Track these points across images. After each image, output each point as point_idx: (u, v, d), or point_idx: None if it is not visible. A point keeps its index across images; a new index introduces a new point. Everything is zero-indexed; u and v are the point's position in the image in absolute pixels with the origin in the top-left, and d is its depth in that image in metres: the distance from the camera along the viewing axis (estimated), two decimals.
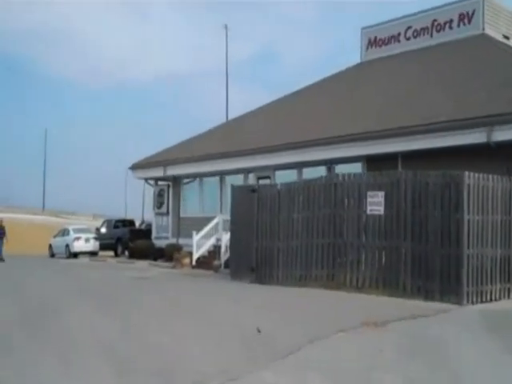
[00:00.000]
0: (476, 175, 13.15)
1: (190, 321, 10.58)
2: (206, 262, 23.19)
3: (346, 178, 15.47)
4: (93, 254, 33.12)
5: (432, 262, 13.34)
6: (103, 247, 34.04)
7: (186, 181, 28.34)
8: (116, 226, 35.55)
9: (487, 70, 20.20)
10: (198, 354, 8.27)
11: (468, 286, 12.84)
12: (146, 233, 31.65)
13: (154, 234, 30.11)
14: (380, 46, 27.41)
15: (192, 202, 28.25)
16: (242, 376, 7.15)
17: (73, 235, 33.16)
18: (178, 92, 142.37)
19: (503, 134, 15.82)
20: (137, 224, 39.08)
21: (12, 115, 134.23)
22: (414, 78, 22.78)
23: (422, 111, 18.62)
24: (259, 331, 9.35)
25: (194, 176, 27.44)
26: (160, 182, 29.90)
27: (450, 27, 24.74)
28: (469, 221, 12.97)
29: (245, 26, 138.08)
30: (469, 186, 13.01)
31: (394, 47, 26.61)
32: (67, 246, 33.10)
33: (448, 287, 13.00)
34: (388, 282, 14.14)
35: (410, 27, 26.21)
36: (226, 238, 22.09)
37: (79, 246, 32.74)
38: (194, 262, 23.48)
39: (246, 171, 24.30)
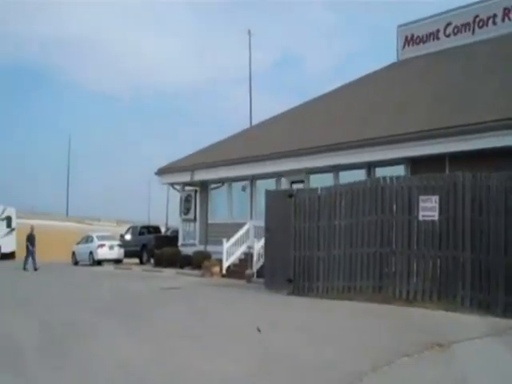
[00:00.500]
0: None
1: (231, 347, 9.26)
2: (236, 271, 22.01)
3: (395, 180, 14.24)
4: (117, 261, 32.16)
5: (495, 273, 12.04)
6: (128, 254, 33.08)
7: (213, 186, 27.21)
8: (141, 233, 34.57)
9: None
10: None
11: None
12: (171, 240, 30.55)
13: (180, 241, 28.98)
14: (417, 43, 26.09)
15: (220, 208, 27.09)
16: None
17: (97, 242, 32.23)
18: (200, 99, 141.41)
19: None
20: (162, 230, 38.04)
21: (36, 122, 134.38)
22: (457, 76, 21.40)
23: (472, 110, 17.29)
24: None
25: (223, 181, 26.30)
26: (187, 188, 28.80)
27: (494, 23, 23.33)
28: None
29: (266, 31, 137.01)
30: None
31: (433, 45, 25.25)
32: (91, 253, 32.17)
33: None
34: (443, 295, 12.87)
35: (449, 23, 24.85)
36: (258, 245, 20.93)
37: (103, 253, 31.78)
38: (223, 271, 22.32)
39: (278, 175, 23.09)
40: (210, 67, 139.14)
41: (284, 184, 22.92)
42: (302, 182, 21.91)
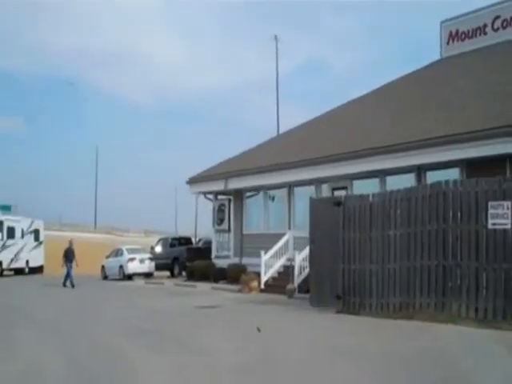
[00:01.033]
0: None
1: None
2: (275, 286, 20.59)
3: (458, 185, 12.71)
4: (148, 275, 30.93)
5: None
6: (159, 267, 31.93)
7: (249, 194, 25.85)
8: (172, 245, 33.35)
9: None
10: None
11: None
12: (204, 251, 29.25)
13: (213, 253, 27.63)
14: (463, 39, 24.57)
15: (256, 218, 25.71)
16: None
17: (127, 256, 31.02)
18: (226, 106, 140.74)
19: None
20: (194, 241, 36.74)
21: (64, 132, 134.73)
22: (509, 72, 19.79)
23: None
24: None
25: (258, 189, 24.92)
26: (220, 197, 27.46)
27: None
28: None
29: (291, 36, 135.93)
30: None
31: (480, 40, 23.75)
32: (121, 267, 30.99)
33: None
34: None
35: (498, 17, 23.32)
36: (299, 257, 19.54)
37: (134, 267, 30.59)
38: (262, 285, 20.90)
39: (318, 181, 21.64)
40: (234, 74, 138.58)
41: (325, 191, 21.50)
42: (344, 188, 20.42)
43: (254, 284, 20.65)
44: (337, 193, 20.71)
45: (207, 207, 29.88)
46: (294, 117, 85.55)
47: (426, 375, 7.96)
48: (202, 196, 29.04)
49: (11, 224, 36.89)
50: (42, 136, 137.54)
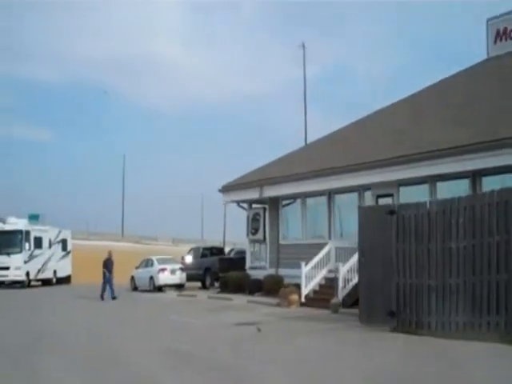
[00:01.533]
0: None
1: None
2: (317, 299, 19.39)
3: None
4: (179, 286, 29.82)
5: None
6: (190, 278, 30.80)
7: (285, 202, 24.68)
8: (204, 255, 32.25)
9: None
10: None
11: None
12: (236, 262, 28.18)
13: (248, 264, 26.50)
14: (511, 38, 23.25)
15: (293, 227, 24.52)
16: None
17: (157, 266, 29.90)
18: (252, 114, 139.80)
19: None
20: (226, 251, 35.62)
21: (91, 141, 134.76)
22: None
23: None
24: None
25: (295, 196, 23.75)
26: (254, 205, 26.32)
27: None
28: None
29: (317, 43, 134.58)
30: None
31: None
32: (151, 278, 29.91)
33: None
34: None
35: None
36: (343, 269, 18.33)
37: (164, 278, 29.49)
38: (302, 299, 19.67)
39: (361, 188, 20.43)
40: (260, 81, 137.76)
41: (368, 198, 20.27)
42: (390, 195, 19.17)
43: (294, 297, 19.42)
44: (381, 200, 19.54)
45: (235, 215, 28.76)
46: (326, 122, 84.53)
47: None
48: (230, 204, 27.97)
49: (38, 234, 36.22)
50: (69, 144, 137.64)
